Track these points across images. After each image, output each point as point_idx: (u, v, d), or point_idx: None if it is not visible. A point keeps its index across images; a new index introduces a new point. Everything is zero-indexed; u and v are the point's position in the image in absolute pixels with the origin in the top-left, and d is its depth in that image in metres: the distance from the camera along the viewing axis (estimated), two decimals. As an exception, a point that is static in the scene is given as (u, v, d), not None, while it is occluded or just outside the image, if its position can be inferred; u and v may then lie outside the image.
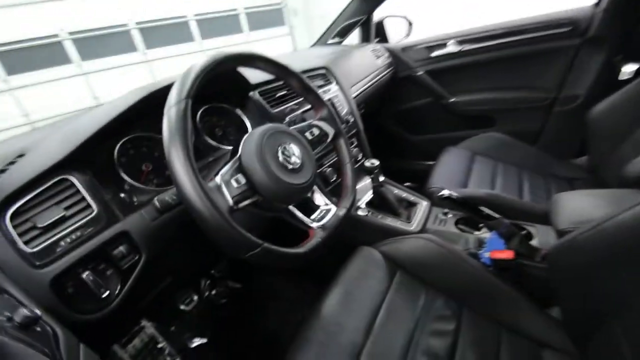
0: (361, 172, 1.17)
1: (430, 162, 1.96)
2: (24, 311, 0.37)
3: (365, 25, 1.82)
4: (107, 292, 0.56)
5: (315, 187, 0.75)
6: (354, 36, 1.91)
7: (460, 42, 1.65)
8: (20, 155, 0.62)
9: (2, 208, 0.52)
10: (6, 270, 0.47)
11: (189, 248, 0.81)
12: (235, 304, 1.36)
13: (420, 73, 1.76)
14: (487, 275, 0.88)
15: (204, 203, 0.50)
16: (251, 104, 1.01)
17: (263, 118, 1.00)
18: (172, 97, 0.54)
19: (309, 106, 1.08)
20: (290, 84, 0.77)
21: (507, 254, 0.89)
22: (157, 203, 0.60)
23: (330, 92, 1.23)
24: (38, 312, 0.39)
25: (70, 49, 4.08)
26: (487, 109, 1.71)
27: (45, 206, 0.56)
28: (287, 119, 0.98)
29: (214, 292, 1.38)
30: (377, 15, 1.87)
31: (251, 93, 1.00)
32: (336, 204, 0.77)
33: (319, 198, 0.75)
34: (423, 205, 1.20)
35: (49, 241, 0.53)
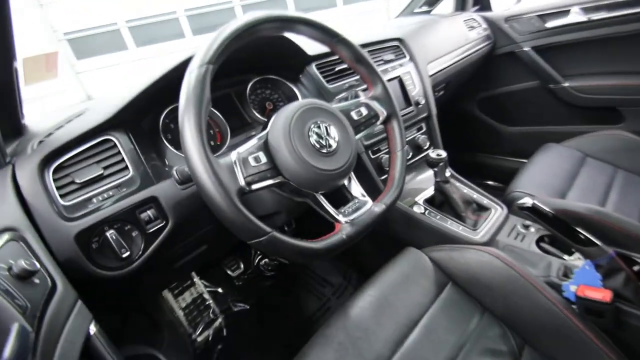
0: (424, 163, 1.01)
1: (522, 160, 1.65)
2: (22, 263, 0.38)
3: (462, -10, 1.55)
4: (128, 253, 0.58)
5: (352, 175, 0.65)
6: (449, 4, 1.65)
7: (589, 10, 1.28)
8: (79, 115, 0.67)
9: (48, 161, 0.56)
10: (38, 220, 0.51)
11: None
12: (281, 279, 1.37)
13: (526, 49, 1.44)
14: (568, 314, 0.68)
15: (211, 180, 0.46)
16: (307, 78, 0.93)
17: (319, 93, 0.93)
18: (195, 60, 0.50)
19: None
20: (339, 52, 0.67)
21: (603, 294, 0.67)
22: (176, 174, 0.59)
23: (401, 68, 1.08)
24: (37, 265, 0.40)
25: (127, 37, 4.69)
26: (614, 99, 1.32)
27: (86, 164, 0.59)
28: (339, 95, 0.88)
29: (262, 262, 1.41)
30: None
31: (308, 66, 0.93)
32: (375, 198, 0.66)
33: (356, 188, 0.65)
34: (497, 211, 0.99)
35: (83, 197, 0.57)
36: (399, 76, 1.06)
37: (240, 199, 0.49)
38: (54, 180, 0.56)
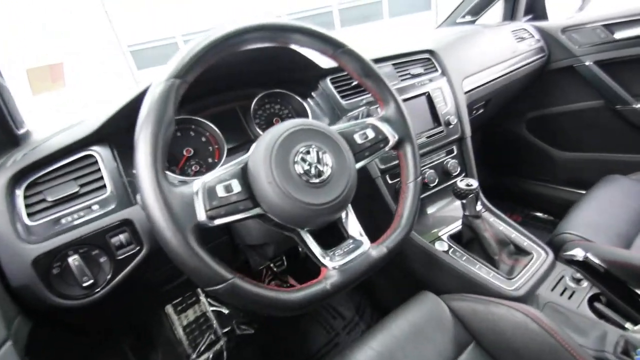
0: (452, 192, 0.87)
1: (579, 191, 1.41)
2: None
3: (512, -3, 1.38)
4: (91, 281, 0.52)
5: (349, 209, 0.55)
6: (497, 13, 1.48)
7: (673, 18, 1.06)
8: (72, 126, 0.65)
9: (21, 177, 0.53)
10: None
11: (210, 244, 0.74)
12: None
13: (587, 63, 1.24)
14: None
15: (161, 212, 0.39)
16: (320, 93, 0.85)
17: (332, 110, 0.84)
18: (162, 73, 0.44)
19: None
20: (345, 65, 0.58)
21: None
22: (139, 199, 0.53)
23: (431, 84, 0.96)
24: None
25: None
26: None
27: (62, 180, 0.56)
28: (351, 113, 0.78)
29: (274, 282, 1.34)
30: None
31: (322, 80, 0.85)
32: (376, 239, 0.55)
33: (353, 225, 0.54)
34: (541, 257, 0.82)
35: (52, 217, 0.53)
36: (427, 92, 0.94)
37: (198, 236, 0.41)
38: (26, 197, 0.53)
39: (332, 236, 0.59)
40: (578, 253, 0.62)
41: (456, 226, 0.90)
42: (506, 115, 1.51)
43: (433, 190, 0.94)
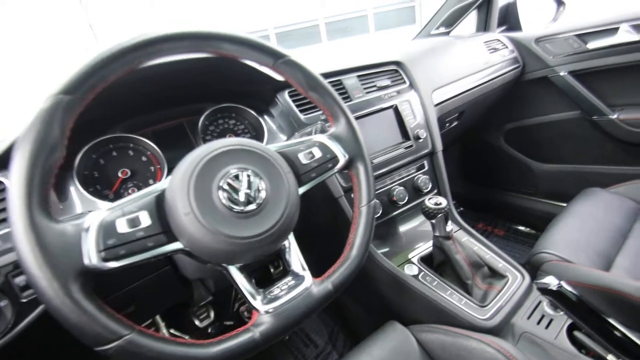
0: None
1: (560, 204, 1.37)
2: None
3: (485, 8, 1.36)
4: None
5: (290, 240, 0.48)
6: (471, 24, 1.47)
7: (643, 27, 1.04)
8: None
9: None
10: None
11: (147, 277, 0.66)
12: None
13: (562, 74, 1.21)
14: None
15: (32, 254, 0.32)
16: (277, 107, 0.79)
17: (291, 125, 0.78)
18: (51, 88, 0.37)
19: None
20: (288, 77, 0.52)
21: None
22: None
23: (398, 96, 0.91)
24: None
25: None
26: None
27: None
28: (302, 130, 0.72)
29: (243, 308, 1.25)
30: (505, -5, 1.39)
31: (280, 93, 0.79)
32: (320, 273, 0.48)
33: (295, 258, 0.48)
34: (517, 281, 0.76)
35: None
36: (394, 105, 0.89)
37: (86, 284, 0.34)
38: None
39: (276, 269, 0.52)
40: (551, 281, 0.56)
41: (427, 247, 0.84)
42: (484, 127, 1.48)
43: (403, 209, 0.89)
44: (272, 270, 0.64)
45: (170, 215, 0.40)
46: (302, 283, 0.46)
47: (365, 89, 0.88)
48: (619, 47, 1.08)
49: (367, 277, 0.83)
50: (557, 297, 0.57)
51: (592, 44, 1.14)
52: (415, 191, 0.91)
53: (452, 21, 1.41)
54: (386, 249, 0.85)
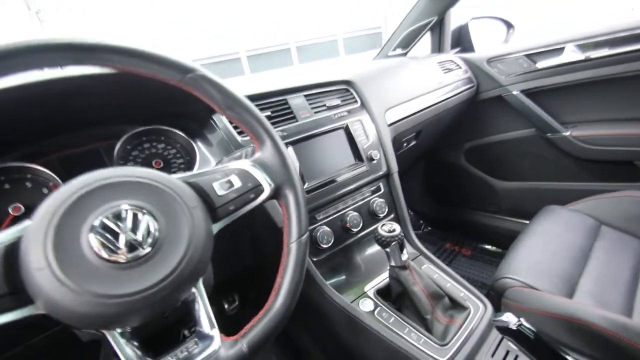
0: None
1: (523, 221, 1.36)
2: None
3: (437, 30, 1.38)
4: None
5: (198, 291, 0.39)
6: (426, 46, 1.48)
7: (587, 47, 1.07)
8: None
9: None
10: None
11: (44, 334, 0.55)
12: None
13: (514, 93, 1.22)
14: None
15: None
16: (214, 129, 0.72)
17: (228, 149, 0.70)
18: None
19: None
20: (201, 95, 0.44)
21: None
22: None
23: (349, 116, 0.86)
24: None
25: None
26: (629, 152, 1.06)
27: None
28: (231, 155, 0.65)
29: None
30: (457, 19, 1.41)
31: (215, 114, 0.72)
32: (238, 330, 0.39)
33: (204, 313, 0.39)
34: (478, 312, 0.70)
35: None
36: (345, 125, 0.84)
37: None
38: None
39: (184, 326, 0.43)
40: (510, 319, 0.51)
41: (385, 277, 0.77)
42: (445, 146, 1.47)
43: (357, 236, 0.82)
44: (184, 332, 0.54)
45: (22, 272, 0.30)
46: (208, 347, 0.36)
47: (313, 108, 0.82)
48: (565, 66, 1.11)
49: (320, 314, 0.74)
50: (517, 337, 0.51)
51: (541, 64, 1.16)
52: (371, 216, 0.85)
53: (407, 43, 1.41)
54: (340, 281, 0.77)
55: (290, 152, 0.76)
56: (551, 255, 0.85)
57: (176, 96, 0.65)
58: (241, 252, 0.76)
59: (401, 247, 0.68)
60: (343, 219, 0.80)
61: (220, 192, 0.43)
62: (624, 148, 1.06)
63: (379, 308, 0.70)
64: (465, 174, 1.46)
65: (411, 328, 0.66)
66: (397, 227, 0.68)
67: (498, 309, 0.77)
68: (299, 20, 7.99)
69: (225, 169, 0.45)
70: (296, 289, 0.43)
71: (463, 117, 1.35)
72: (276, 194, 0.47)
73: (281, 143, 0.48)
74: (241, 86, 0.77)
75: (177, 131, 0.69)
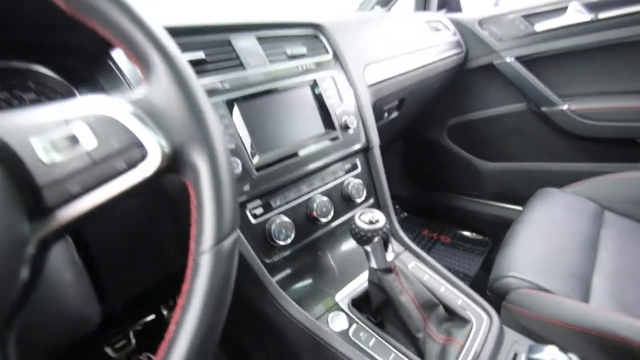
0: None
1: (510, 207, 1.24)
2: None
3: (423, -15, 1.19)
4: None
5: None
6: (409, 6, 1.28)
7: (594, 6, 0.92)
8: None
9: None
10: None
11: None
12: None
13: (508, 60, 1.07)
14: None
15: None
16: (109, 71, 0.48)
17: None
18: None
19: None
20: None
21: None
22: None
23: (318, 70, 0.65)
24: None
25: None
26: (632, 128, 0.94)
27: None
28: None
29: None
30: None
31: (117, 51, 0.48)
32: None
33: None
34: (482, 325, 0.54)
35: None
36: (313, 81, 0.63)
37: None
38: None
39: None
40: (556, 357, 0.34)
41: (362, 283, 0.59)
42: (427, 123, 1.30)
43: (327, 229, 0.62)
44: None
45: None
46: None
47: (268, 56, 0.60)
48: (568, 29, 0.96)
49: (279, 334, 0.55)
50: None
51: (540, 26, 1.01)
52: (345, 201, 0.65)
53: (386, 1, 1.21)
54: (303, 291, 0.58)
55: (236, 115, 0.55)
56: (557, 248, 0.71)
57: (49, 19, 0.41)
58: (161, 252, 0.55)
59: (385, 244, 0.50)
60: (308, 206, 0.60)
61: (46, 156, 0.21)
62: (627, 124, 0.94)
63: (354, 326, 0.52)
64: (448, 154, 1.31)
65: (398, 353, 0.49)
66: (381, 217, 0.49)
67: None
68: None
69: (67, 110, 0.23)
70: (208, 336, 0.23)
71: (449, 89, 1.18)
72: (175, 165, 0.25)
73: (187, 70, 0.26)
74: (159, 13, 0.54)
75: (51, 73, 0.45)
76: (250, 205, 0.54)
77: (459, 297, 0.58)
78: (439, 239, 1.45)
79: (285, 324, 0.53)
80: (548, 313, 0.57)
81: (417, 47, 0.93)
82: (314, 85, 0.63)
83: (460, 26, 1.13)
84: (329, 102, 0.64)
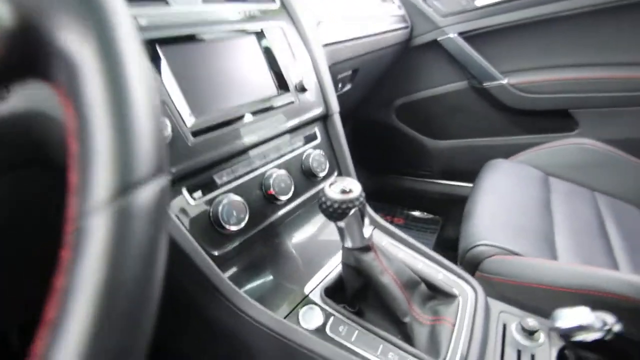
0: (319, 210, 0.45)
1: (456, 183, 1.27)
2: None
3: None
4: None
5: None
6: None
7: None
8: None
9: None
10: None
11: None
12: None
13: (451, 36, 1.07)
14: None
15: None
16: None
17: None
18: None
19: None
20: None
21: None
22: None
23: (265, 18, 0.54)
24: None
25: None
26: (564, 99, 1.00)
27: None
28: None
29: None
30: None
31: None
32: None
33: None
34: (468, 299, 0.49)
35: None
36: (259, 31, 0.52)
37: None
38: None
39: None
40: (592, 323, 0.30)
41: (334, 267, 0.50)
42: (375, 104, 1.27)
43: (287, 208, 0.52)
44: None
45: None
46: None
47: (201, -5, 0.47)
48: (507, 4, 0.98)
49: (236, 345, 0.44)
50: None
51: (481, 1, 1.02)
52: (306, 176, 0.56)
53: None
54: (264, 286, 0.47)
55: (160, 62, 0.41)
56: (518, 213, 0.71)
57: None
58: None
59: (362, 217, 0.42)
60: (264, 182, 0.49)
61: None
62: (560, 95, 0.99)
63: (332, 319, 0.43)
64: (397, 134, 1.29)
65: (387, 344, 0.41)
66: (356, 186, 0.41)
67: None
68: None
69: None
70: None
71: (396, 68, 1.15)
72: (27, 56, 0.13)
73: None
74: None
75: None
76: (187, 183, 0.41)
77: (439, 270, 0.53)
78: (392, 221, 1.43)
79: (245, 329, 0.41)
80: (525, 277, 0.54)
81: (369, 12, 0.87)
82: (261, 35, 0.52)
83: (405, 0, 1.10)
84: (280, 57, 0.53)
